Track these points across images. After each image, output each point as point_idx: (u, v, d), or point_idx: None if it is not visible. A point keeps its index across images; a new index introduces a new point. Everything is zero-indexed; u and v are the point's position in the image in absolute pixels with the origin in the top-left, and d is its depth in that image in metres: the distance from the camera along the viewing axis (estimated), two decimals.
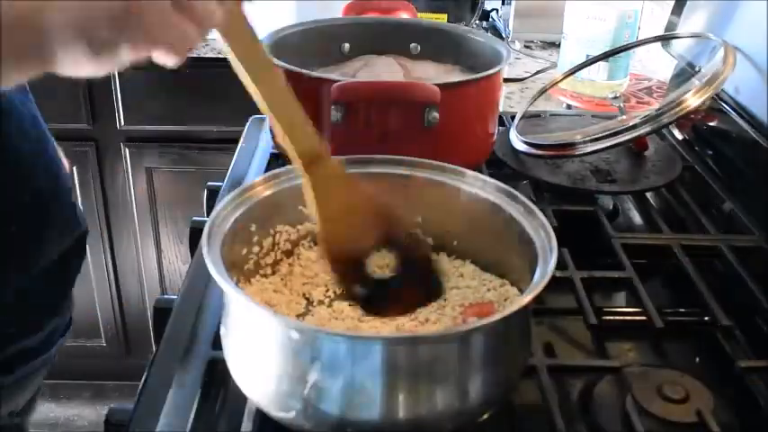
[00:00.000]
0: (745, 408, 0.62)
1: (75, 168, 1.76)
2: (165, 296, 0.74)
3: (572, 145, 0.90)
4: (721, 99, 0.95)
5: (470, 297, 0.65)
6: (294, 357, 0.52)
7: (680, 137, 1.06)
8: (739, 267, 0.78)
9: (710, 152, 0.99)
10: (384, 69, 0.96)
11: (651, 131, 0.88)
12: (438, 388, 0.52)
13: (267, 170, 0.94)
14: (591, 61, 1.15)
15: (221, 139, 1.71)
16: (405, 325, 0.62)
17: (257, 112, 0.58)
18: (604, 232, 0.83)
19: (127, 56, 0.46)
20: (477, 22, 1.72)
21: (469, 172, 0.68)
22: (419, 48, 1.02)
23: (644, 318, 0.70)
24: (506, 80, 1.35)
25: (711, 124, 1.01)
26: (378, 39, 1.02)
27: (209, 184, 0.96)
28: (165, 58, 0.46)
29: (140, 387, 0.62)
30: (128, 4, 0.44)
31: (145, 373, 0.64)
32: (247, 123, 1.11)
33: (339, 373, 0.51)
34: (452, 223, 0.69)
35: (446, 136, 0.82)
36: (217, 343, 0.63)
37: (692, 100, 0.86)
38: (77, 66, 0.46)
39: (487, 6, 1.76)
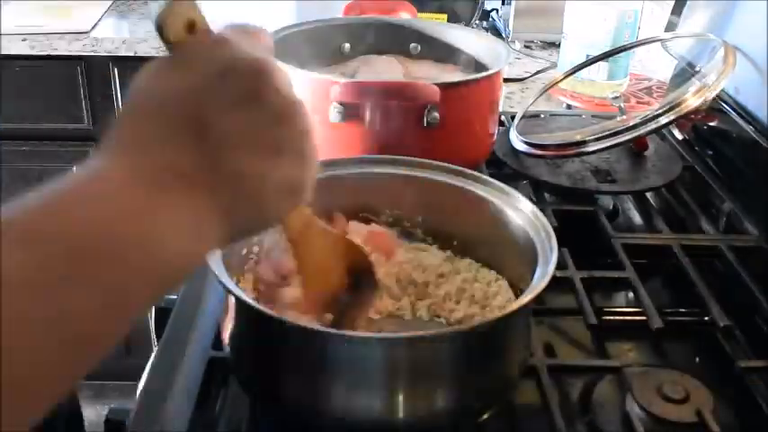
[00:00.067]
0: (745, 408, 0.62)
1: (75, 169, 1.76)
2: (165, 296, 0.74)
3: (572, 145, 0.90)
4: (721, 99, 0.94)
5: (467, 293, 0.65)
6: (295, 357, 0.52)
7: (680, 137, 1.06)
8: (739, 267, 0.78)
9: (710, 152, 0.99)
10: (384, 69, 0.96)
11: (651, 131, 0.88)
12: (438, 388, 0.52)
13: None
14: (591, 61, 1.15)
15: None
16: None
17: None
18: (604, 232, 0.83)
19: None
20: (477, 22, 1.72)
21: (469, 172, 0.68)
22: (419, 48, 1.02)
23: (644, 318, 0.70)
24: (506, 80, 1.35)
25: (711, 124, 1.00)
26: (378, 39, 1.02)
27: None
28: None
29: (140, 387, 0.62)
30: None
31: (145, 373, 0.64)
32: None
33: (339, 373, 0.51)
34: (452, 223, 0.69)
35: (446, 136, 0.82)
36: (217, 343, 0.64)
37: (692, 100, 0.86)
38: None
39: (487, 6, 1.75)
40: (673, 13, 1.16)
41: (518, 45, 1.65)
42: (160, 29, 0.38)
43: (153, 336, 0.73)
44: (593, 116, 1.10)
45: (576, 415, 0.61)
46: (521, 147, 0.94)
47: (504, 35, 1.67)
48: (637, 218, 0.94)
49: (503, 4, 1.75)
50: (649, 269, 0.79)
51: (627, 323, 0.74)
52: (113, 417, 0.61)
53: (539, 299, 0.53)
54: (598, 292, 0.75)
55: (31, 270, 0.31)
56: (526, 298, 0.53)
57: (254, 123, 0.38)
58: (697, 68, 1.03)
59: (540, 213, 0.62)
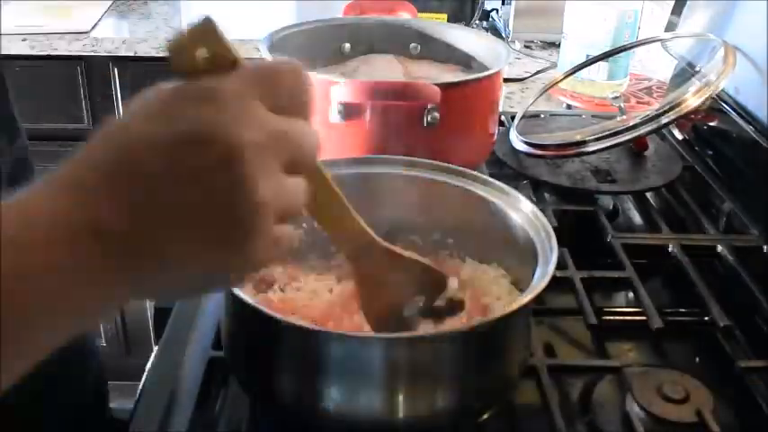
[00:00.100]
0: (745, 408, 0.62)
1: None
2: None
3: (572, 145, 0.90)
4: (721, 99, 0.94)
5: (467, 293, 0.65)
6: (295, 356, 0.52)
7: (680, 137, 1.06)
8: (739, 267, 0.78)
9: (710, 152, 0.99)
10: (384, 69, 0.96)
11: (651, 131, 0.88)
12: (438, 388, 0.52)
13: None
14: (591, 61, 1.15)
15: None
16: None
17: None
18: (604, 232, 0.83)
19: None
20: (477, 22, 1.72)
21: (469, 172, 0.68)
22: (419, 48, 1.02)
23: (644, 318, 0.70)
24: (506, 80, 1.35)
25: (711, 124, 1.00)
26: (378, 39, 1.02)
27: None
28: None
29: (140, 387, 0.62)
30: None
31: (145, 373, 0.64)
32: None
33: (339, 373, 0.51)
34: (452, 223, 0.69)
35: (446, 136, 0.82)
36: (217, 343, 0.64)
37: (692, 100, 0.86)
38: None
39: (487, 6, 1.75)
40: (673, 13, 1.16)
41: (518, 45, 1.65)
42: (168, 58, 0.36)
43: (153, 336, 0.73)
44: (593, 116, 1.10)
45: (576, 415, 0.61)
46: (521, 147, 0.94)
47: (504, 35, 1.67)
48: (637, 218, 0.94)
49: (503, 4, 1.75)
50: (649, 269, 0.79)
51: (627, 323, 0.74)
52: (115, 417, 0.61)
53: (539, 299, 0.53)
54: (598, 292, 0.75)
55: None
56: (526, 298, 0.53)
57: (200, 209, 0.35)
58: (697, 68, 1.03)
59: (540, 213, 0.62)
